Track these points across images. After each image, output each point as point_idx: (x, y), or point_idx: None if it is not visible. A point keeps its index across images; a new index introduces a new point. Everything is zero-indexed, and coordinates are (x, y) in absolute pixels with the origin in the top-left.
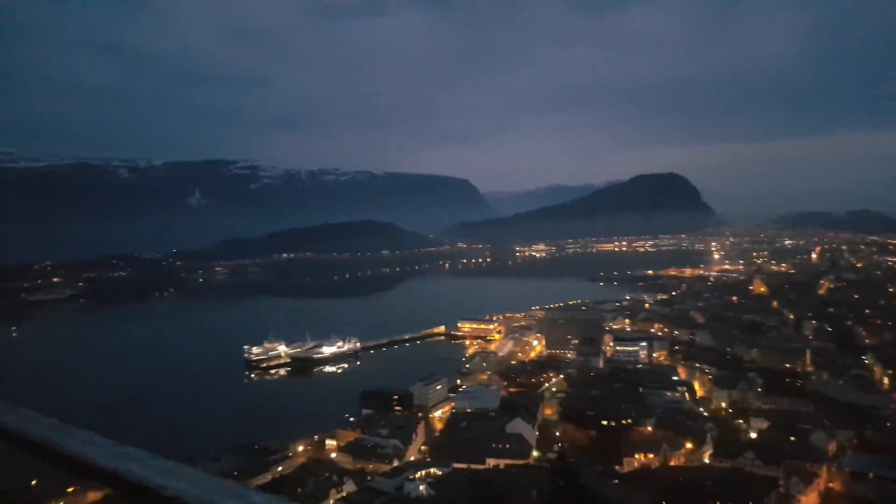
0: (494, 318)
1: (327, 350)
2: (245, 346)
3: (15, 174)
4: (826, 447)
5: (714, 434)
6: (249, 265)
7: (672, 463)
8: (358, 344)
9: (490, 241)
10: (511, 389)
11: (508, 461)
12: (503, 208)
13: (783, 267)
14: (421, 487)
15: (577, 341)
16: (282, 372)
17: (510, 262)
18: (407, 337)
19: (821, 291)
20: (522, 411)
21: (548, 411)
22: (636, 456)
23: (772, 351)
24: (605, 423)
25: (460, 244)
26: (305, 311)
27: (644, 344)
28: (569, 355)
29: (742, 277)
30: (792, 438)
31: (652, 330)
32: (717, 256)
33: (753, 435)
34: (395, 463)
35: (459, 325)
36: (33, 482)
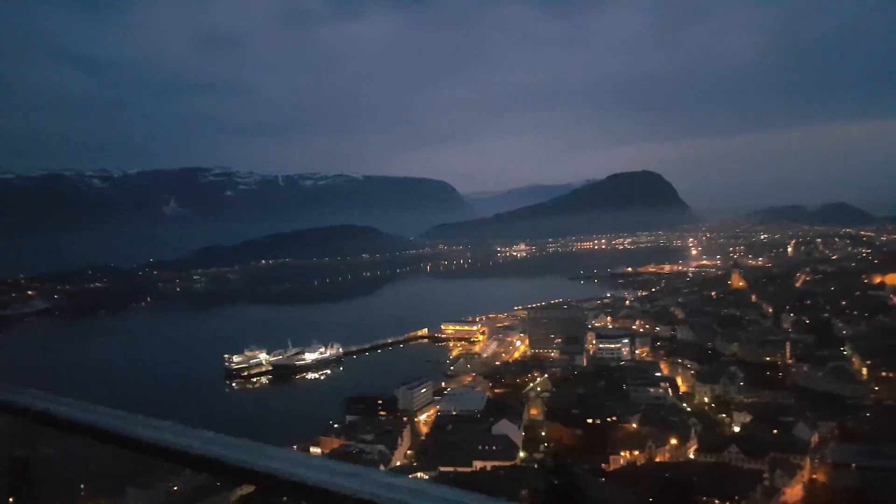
0: (478, 319)
1: (309, 357)
2: (225, 355)
3: None
4: (809, 439)
5: (698, 429)
6: (228, 273)
7: (658, 459)
8: (340, 349)
9: (471, 242)
10: (496, 390)
11: (495, 463)
12: (483, 209)
13: (760, 261)
14: None
15: (560, 340)
16: (263, 380)
17: (491, 263)
18: (390, 341)
19: (798, 284)
20: (508, 412)
21: (533, 411)
22: (622, 453)
23: (752, 344)
24: (590, 421)
25: (441, 246)
26: (286, 317)
27: (626, 341)
28: (552, 354)
29: (720, 272)
30: (775, 431)
31: (633, 327)
32: (694, 252)
33: (737, 429)
34: (382, 468)
35: (443, 327)
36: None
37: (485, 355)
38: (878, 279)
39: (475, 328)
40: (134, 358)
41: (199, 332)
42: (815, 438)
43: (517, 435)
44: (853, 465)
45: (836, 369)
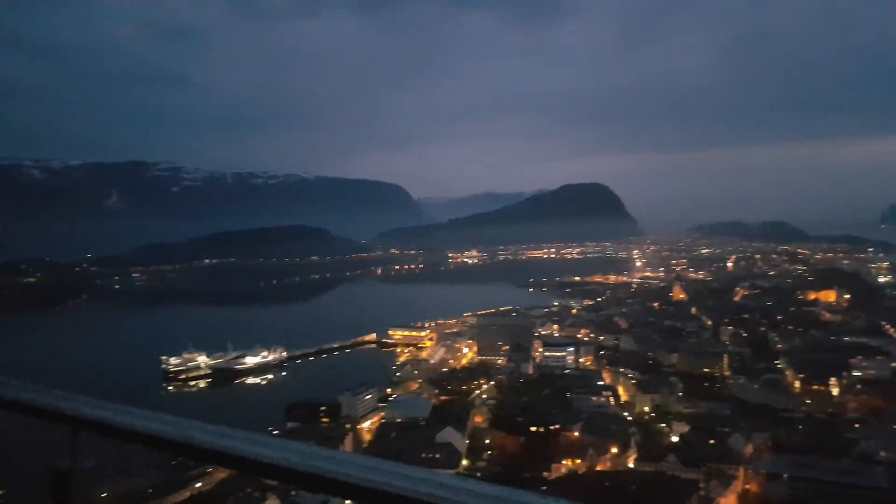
0: (426, 325)
1: (251, 360)
2: (162, 357)
3: None
4: (743, 449)
5: (638, 438)
6: (170, 271)
7: (598, 468)
8: (284, 353)
9: (423, 247)
10: (442, 397)
11: (438, 471)
12: (436, 214)
13: (701, 274)
14: (347, 502)
15: (507, 347)
16: (202, 384)
17: (443, 268)
18: (336, 346)
19: (736, 298)
20: (453, 420)
21: (478, 419)
22: (564, 461)
23: (691, 356)
24: (534, 429)
25: (393, 250)
26: (229, 319)
27: (572, 349)
28: (499, 361)
29: (662, 284)
30: (711, 441)
31: (579, 335)
32: (639, 264)
33: (675, 438)
34: None
35: (391, 332)
36: None
37: (432, 361)
38: (812, 296)
39: (423, 334)
40: (65, 358)
41: (137, 331)
42: (749, 449)
43: (461, 443)
44: (785, 475)
45: (771, 382)
